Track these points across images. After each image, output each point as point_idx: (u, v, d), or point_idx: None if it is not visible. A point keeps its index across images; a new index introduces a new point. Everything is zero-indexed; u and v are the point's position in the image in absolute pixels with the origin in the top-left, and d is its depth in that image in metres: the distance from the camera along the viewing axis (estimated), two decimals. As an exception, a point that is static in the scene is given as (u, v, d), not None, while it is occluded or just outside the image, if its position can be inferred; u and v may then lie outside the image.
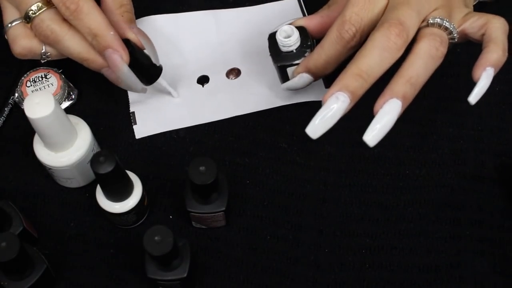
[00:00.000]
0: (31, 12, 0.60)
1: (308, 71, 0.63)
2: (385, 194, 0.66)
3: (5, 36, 0.63)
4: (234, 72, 0.72)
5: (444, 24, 0.56)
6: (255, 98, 0.70)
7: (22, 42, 0.62)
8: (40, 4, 0.60)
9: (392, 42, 0.54)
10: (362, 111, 0.70)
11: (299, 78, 0.63)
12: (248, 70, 0.72)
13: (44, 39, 0.61)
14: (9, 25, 0.62)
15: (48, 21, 0.60)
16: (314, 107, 0.61)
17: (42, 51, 0.63)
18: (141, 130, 0.69)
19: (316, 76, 0.63)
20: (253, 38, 0.74)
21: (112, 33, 0.60)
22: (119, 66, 0.61)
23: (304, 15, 0.74)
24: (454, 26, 0.56)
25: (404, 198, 0.66)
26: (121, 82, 0.63)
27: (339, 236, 0.64)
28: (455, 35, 0.56)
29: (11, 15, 0.62)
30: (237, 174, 0.67)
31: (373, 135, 0.56)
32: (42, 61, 0.64)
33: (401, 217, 0.65)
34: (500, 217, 0.65)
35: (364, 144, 0.68)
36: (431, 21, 0.56)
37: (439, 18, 0.56)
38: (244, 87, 0.71)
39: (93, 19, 0.59)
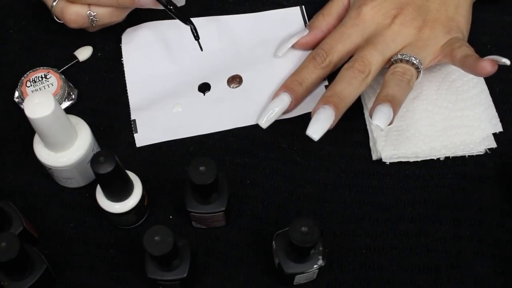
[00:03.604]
0: None
1: (286, 88, 0.67)
2: (385, 194, 0.66)
3: (55, 17, 0.69)
4: (236, 80, 0.71)
5: (404, 58, 0.65)
6: (256, 109, 0.70)
7: (68, 10, 0.67)
8: None
9: (356, 74, 0.65)
10: (361, 111, 0.70)
11: (278, 99, 0.67)
12: (250, 77, 0.72)
13: None
14: (53, 4, 0.68)
15: None
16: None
17: (88, 12, 0.67)
18: (141, 139, 0.69)
19: (294, 94, 0.67)
20: (255, 45, 0.73)
21: None
22: None
23: (305, 23, 0.74)
24: (419, 61, 0.65)
25: (404, 198, 0.66)
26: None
27: (339, 236, 0.64)
28: (421, 66, 0.65)
29: None
30: (237, 174, 0.67)
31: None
32: (92, 29, 0.70)
33: (401, 217, 0.65)
34: (500, 217, 0.65)
35: (364, 144, 0.69)
36: (394, 58, 0.66)
37: (400, 54, 0.65)
38: (245, 96, 0.71)
39: None
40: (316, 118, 0.63)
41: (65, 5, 0.67)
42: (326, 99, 0.64)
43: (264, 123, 0.67)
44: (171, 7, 0.67)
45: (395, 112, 0.62)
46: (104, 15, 0.68)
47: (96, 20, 0.67)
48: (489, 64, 0.62)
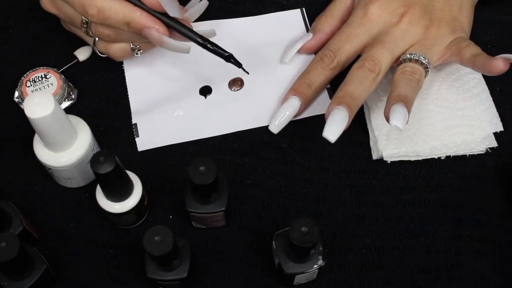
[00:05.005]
0: (84, 22, 0.65)
1: (295, 91, 0.67)
2: (385, 194, 0.66)
3: (98, 52, 0.69)
4: (237, 83, 0.71)
5: (413, 58, 0.65)
6: (258, 112, 0.70)
7: (112, 48, 0.67)
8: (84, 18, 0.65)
9: (366, 74, 0.64)
10: (362, 111, 0.70)
11: (288, 103, 0.67)
12: (251, 80, 0.71)
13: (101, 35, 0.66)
14: (96, 40, 0.68)
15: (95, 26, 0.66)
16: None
17: (131, 46, 0.67)
18: (143, 143, 0.69)
19: (303, 97, 0.67)
20: (256, 48, 0.73)
21: (138, 13, 0.63)
22: (160, 39, 0.63)
23: (306, 25, 0.74)
24: (428, 60, 0.65)
25: (404, 198, 0.66)
26: (168, 48, 0.65)
27: (339, 236, 0.64)
28: (429, 66, 0.65)
29: (89, 38, 0.68)
30: (237, 174, 0.67)
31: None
32: (137, 56, 0.69)
33: (401, 217, 0.65)
34: (500, 217, 0.65)
35: (364, 144, 0.69)
36: (403, 57, 0.65)
37: (409, 54, 0.65)
38: (247, 99, 0.71)
39: (117, 11, 0.62)
40: (332, 119, 0.62)
41: (107, 43, 0.67)
42: (339, 100, 0.63)
43: (275, 128, 0.66)
44: (207, 43, 0.65)
45: (408, 112, 0.62)
46: (146, 45, 0.67)
47: (140, 51, 0.67)
48: (501, 62, 0.62)
